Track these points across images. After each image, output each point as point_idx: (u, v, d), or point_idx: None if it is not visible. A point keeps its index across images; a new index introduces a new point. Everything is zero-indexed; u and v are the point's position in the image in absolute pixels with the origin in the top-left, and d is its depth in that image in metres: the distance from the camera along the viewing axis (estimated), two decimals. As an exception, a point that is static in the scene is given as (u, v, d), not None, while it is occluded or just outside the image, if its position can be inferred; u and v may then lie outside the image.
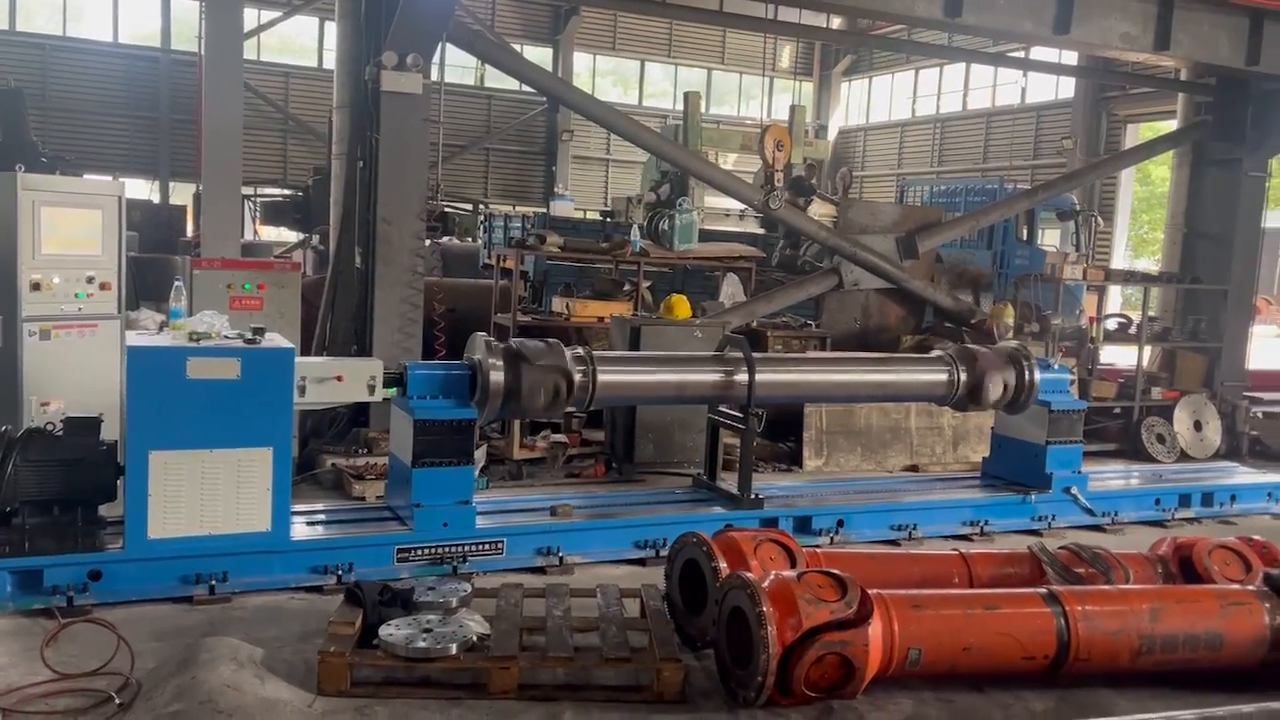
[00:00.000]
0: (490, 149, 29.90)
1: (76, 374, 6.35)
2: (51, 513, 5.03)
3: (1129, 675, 4.63)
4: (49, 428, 5.13)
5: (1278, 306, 34.61)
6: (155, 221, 20.88)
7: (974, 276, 11.69)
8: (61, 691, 4.04)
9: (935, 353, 7.42)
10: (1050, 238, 18.91)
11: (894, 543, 6.78)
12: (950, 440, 9.39)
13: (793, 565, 4.82)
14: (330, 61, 27.99)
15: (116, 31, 26.34)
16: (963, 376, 7.04)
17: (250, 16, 25.07)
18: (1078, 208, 17.26)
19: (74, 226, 6.41)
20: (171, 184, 26.48)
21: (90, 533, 5.06)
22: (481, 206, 24.01)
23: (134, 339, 5.25)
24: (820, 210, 17.84)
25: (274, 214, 20.86)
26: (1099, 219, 18.58)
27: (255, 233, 22.42)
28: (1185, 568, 5.22)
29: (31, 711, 3.87)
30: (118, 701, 3.93)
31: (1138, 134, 23.43)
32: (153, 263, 11.63)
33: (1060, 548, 5.35)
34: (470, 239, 20.30)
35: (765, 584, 4.29)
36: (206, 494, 5.08)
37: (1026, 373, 7.07)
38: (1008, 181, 19.85)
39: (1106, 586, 4.89)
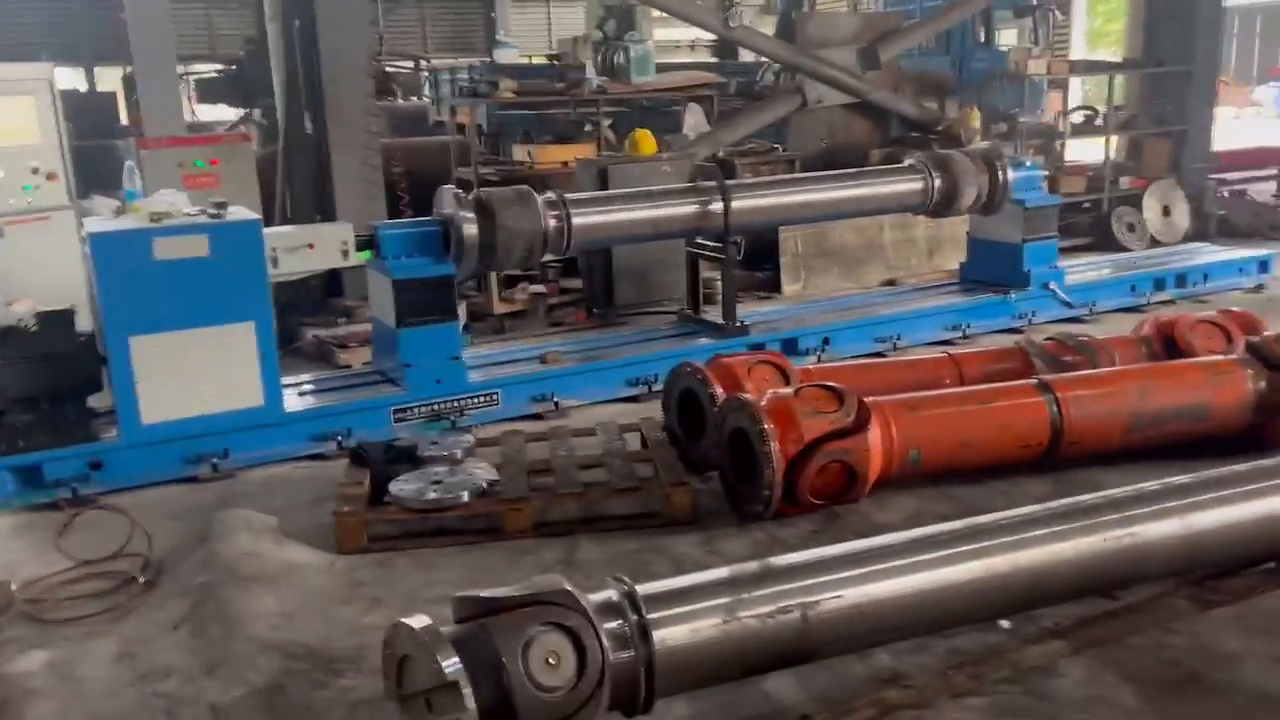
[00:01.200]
0: (425, 1, 28.58)
1: (37, 268, 6.17)
2: (40, 409, 4.97)
3: (1121, 453, 4.78)
4: (21, 325, 5.01)
5: (1235, 85, 34.50)
6: (87, 109, 19.93)
7: (937, 83, 11.47)
8: (83, 577, 4.09)
9: (908, 162, 7.33)
10: (1008, 38, 18.53)
11: (880, 355, 6.86)
12: (925, 251, 9.40)
13: (787, 384, 4.87)
14: (245, -78, 26.36)
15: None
16: (937, 182, 6.99)
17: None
18: (1034, 2, 16.81)
19: (6, 116, 6.12)
20: (97, 69, 25.26)
21: (84, 424, 5.03)
22: (423, 62, 23.11)
23: (93, 225, 5.07)
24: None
25: (210, 91, 19.96)
26: (1056, 12, 18.14)
27: (193, 113, 21.57)
28: (1168, 345, 5.33)
29: (58, 600, 3.91)
30: (142, 580, 3.99)
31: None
32: (95, 150, 11.16)
33: (1046, 339, 5.44)
34: (416, 97, 19.62)
35: (764, 402, 4.34)
36: (194, 374, 5.03)
37: (1000, 173, 7.03)
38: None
39: (1094, 370, 4.99)
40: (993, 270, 7.68)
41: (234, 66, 19.88)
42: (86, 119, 19.06)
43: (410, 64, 22.48)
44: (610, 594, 2.90)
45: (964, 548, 3.26)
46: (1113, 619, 3.50)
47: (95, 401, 5.19)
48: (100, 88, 23.83)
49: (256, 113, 17.89)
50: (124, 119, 18.82)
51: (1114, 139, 11.24)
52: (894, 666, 3.28)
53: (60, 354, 4.96)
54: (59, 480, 4.83)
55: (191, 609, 3.67)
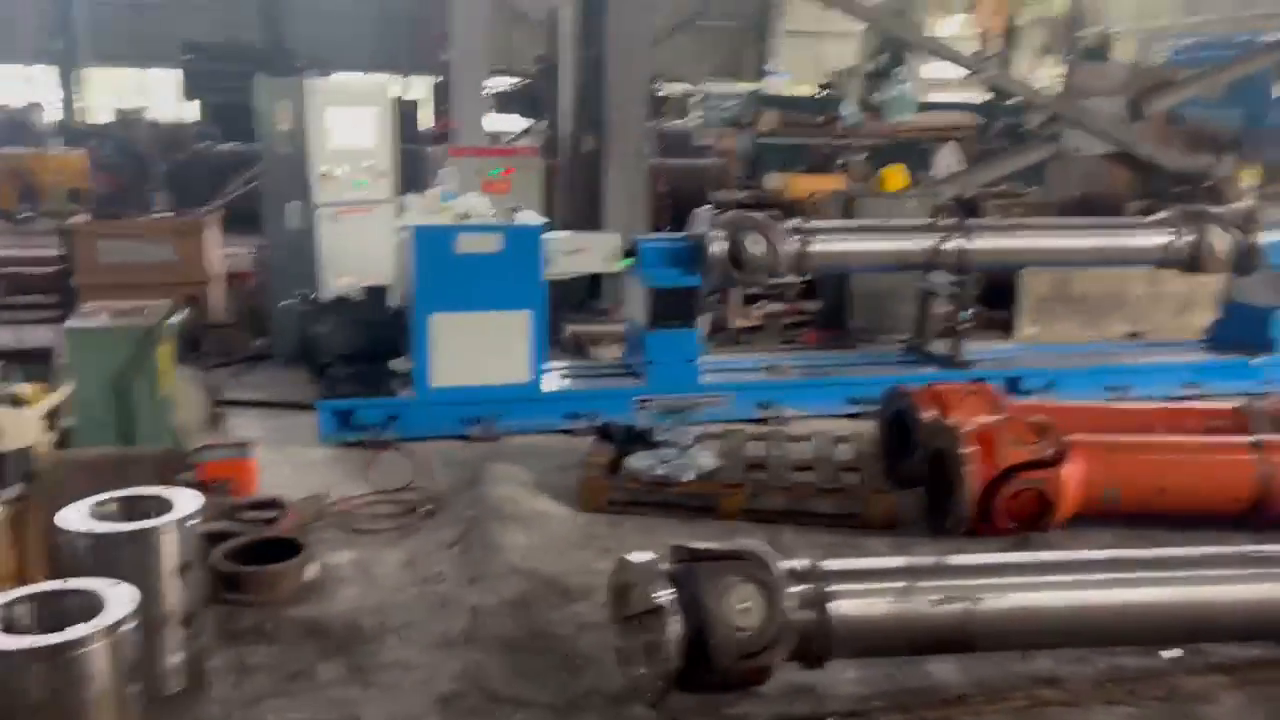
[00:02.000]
0: (703, 27, 29.83)
1: (360, 250, 7.40)
2: (356, 364, 6.09)
3: (1334, 522, 4.78)
4: (350, 295, 6.14)
5: None
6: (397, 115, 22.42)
7: (1214, 137, 11.08)
8: (381, 502, 5.06)
9: (1158, 215, 7.35)
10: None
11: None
12: (1175, 308, 9.18)
13: (995, 414, 5.20)
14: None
15: (351, -65, 27.89)
16: (1186, 238, 6.99)
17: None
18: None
19: (353, 123, 7.39)
20: (413, 77, 28.19)
21: (388, 381, 6.10)
22: (694, 86, 24.25)
23: (415, 219, 6.14)
24: (1055, 73, 17.04)
25: (504, 103, 21.94)
26: (1374, 67, 16.74)
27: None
28: None
29: (361, 515, 4.90)
30: (426, 509, 4.91)
31: None
32: (405, 153, 12.77)
33: (1270, 402, 5.45)
34: (683, 119, 20.70)
35: (968, 427, 4.73)
36: (477, 350, 5.99)
37: (1252, 234, 6.93)
38: (1269, 31, 18.11)
39: (1314, 438, 5.00)
40: (1241, 333, 7.52)
41: (526, 81, 21.81)
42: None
43: (683, 87, 23.68)
44: (800, 563, 3.46)
45: (1130, 574, 3.58)
46: (1281, 666, 3.68)
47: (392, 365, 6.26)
48: (409, 95, 26.63)
49: (543, 124, 19.56)
50: (423, 124, 21.03)
51: None
52: (1054, 670, 3.62)
53: (377, 321, 6.05)
54: (365, 425, 5.91)
55: (462, 534, 4.54)
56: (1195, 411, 5.62)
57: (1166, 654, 3.70)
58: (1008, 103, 17.14)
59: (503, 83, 23.56)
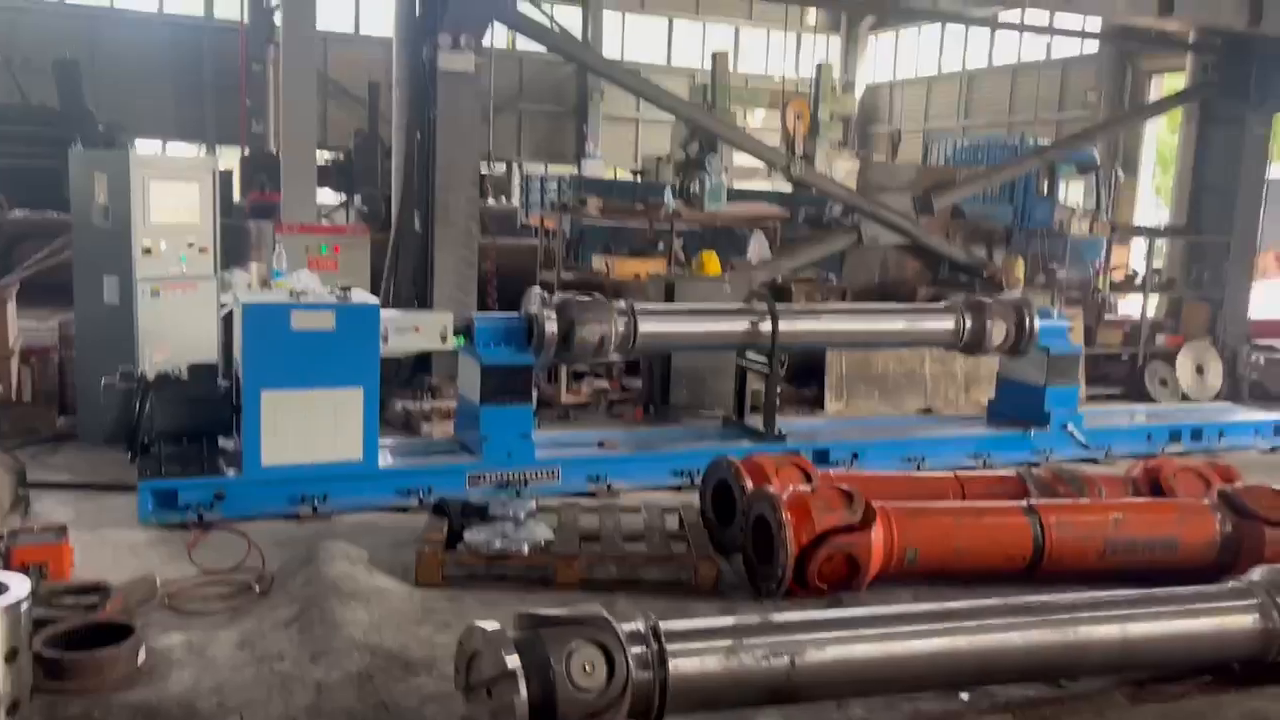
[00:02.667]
0: (523, 110, 30.55)
1: (181, 326, 7.27)
2: (180, 443, 5.95)
3: (1097, 575, 5.42)
4: (174, 372, 6.03)
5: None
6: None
7: (989, 231, 12.33)
8: (210, 583, 4.96)
9: (944, 302, 8.17)
10: (1075, 191, 19.41)
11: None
12: (962, 384, 10.14)
13: (809, 484, 5.64)
14: (366, 27, 28.67)
15: (161, 2, 27.16)
16: (968, 323, 7.79)
17: (289, -16, 25.91)
18: (1097, 162, 17.74)
19: (177, 197, 7.28)
20: (218, 148, 27.43)
21: (214, 460, 5.98)
22: (516, 167, 24.78)
23: (246, 296, 6.11)
24: (848, 166, 18.46)
25: (319, 177, 21.70)
26: (1120, 172, 19.05)
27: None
28: (1154, 487, 6.00)
29: (190, 596, 4.79)
30: (258, 589, 4.85)
31: (1163, 84, 23.69)
32: (229, 229, 12.50)
33: (1045, 470, 6.15)
34: (505, 198, 21.12)
35: (785, 496, 5.13)
36: (309, 427, 5.97)
37: (1027, 320, 7.80)
38: (1032, 136, 20.30)
39: (1079, 499, 5.68)
40: (1018, 408, 8.38)
41: (341, 156, 21.69)
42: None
43: (503, 167, 24.15)
44: (639, 625, 3.68)
45: (930, 625, 3.99)
46: (1057, 703, 4.17)
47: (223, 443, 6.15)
48: (221, 166, 25.90)
49: (358, 199, 19.49)
50: (236, 197, 20.54)
51: (1154, 298, 11.94)
52: (866, 717, 3.97)
53: (204, 399, 5.95)
54: (189, 504, 5.76)
55: (300, 612, 4.51)
56: (981, 479, 6.25)
57: (964, 695, 4.12)
58: (809, 194, 18.45)
59: (319, 157, 23.38)
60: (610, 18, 31.29)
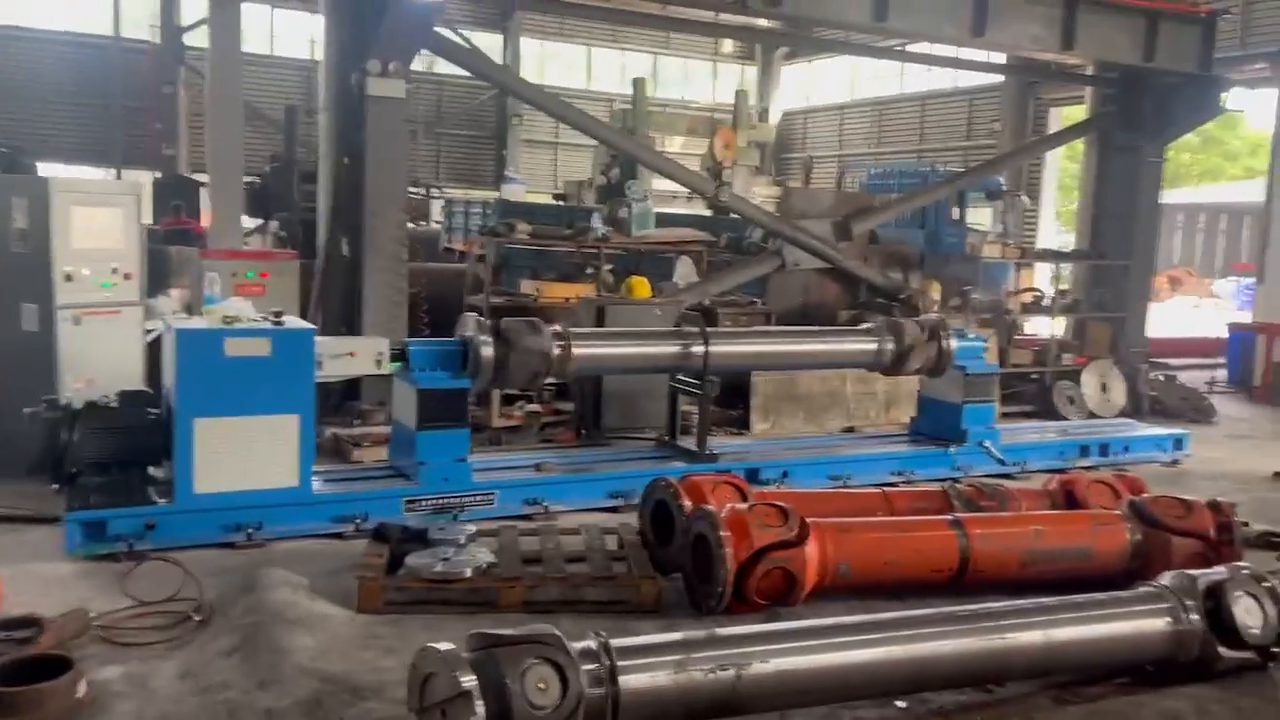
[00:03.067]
0: (441, 134, 30.49)
1: (103, 354, 7.12)
2: (109, 473, 5.83)
3: (1019, 584, 5.67)
4: (104, 400, 5.92)
5: (1198, 278, 36.64)
6: (116, 209, 21.21)
7: (903, 256, 12.74)
8: (145, 614, 4.88)
9: (865, 325, 8.44)
10: (982, 217, 20.16)
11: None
12: (883, 404, 10.44)
13: (744, 501, 5.79)
14: (280, 48, 28.29)
15: (65, 19, 26.42)
16: (889, 346, 8.07)
17: (200, 4, 25.46)
18: (1004, 188, 18.47)
19: (100, 222, 7.15)
20: (124, 171, 26.74)
21: (145, 489, 5.88)
22: (435, 190, 24.66)
23: (178, 322, 6.04)
24: (766, 192, 18.87)
25: (234, 201, 21.31)
26: (1025, 198, 19.85)
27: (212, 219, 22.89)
28: (1069, 499, 6.30)
29: (126, 628, 4.71)
30: (197, 619, 4.79)
31: (1062, 116, 24.77)
32: (152, 254, 12.23)
33: (967, 484, 6.41)
34: (424, 223, 20.99)
35: (723, 514, 5.26)
36: (243, 455, 5.92)
37: (944, 341, 8.11)
38: (941, 163, 21.05)
39: (1000, 512, 5.95)
40: (937, 426, 8.69)
41: (257, 180, 21.35)
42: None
43: (421, 191, 24.01)
44: (590, 643, 3.77)
45: (867, 636, 4.16)
46: (987, 707, 4.36)
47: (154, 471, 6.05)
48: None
49: (275, 224, 19.21)
50: (150, 220, 20.03)
51: (1060, 319, 12.49)
52: (808, 727, 4.11)
53: (133, 427, 5.85)
54: (119, 535, 5.65)
55: (243, 641, 4.48)
56: (907, 494, 6.49)
57: (900, 703, 4.28)
58: (728, 218, 18.80)
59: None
60: (529, 44, 31.48)
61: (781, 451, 8.21)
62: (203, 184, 21.97)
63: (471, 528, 5.82)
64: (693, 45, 32.63)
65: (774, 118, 33.27)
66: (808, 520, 5.31)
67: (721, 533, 5.11)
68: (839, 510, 5.97)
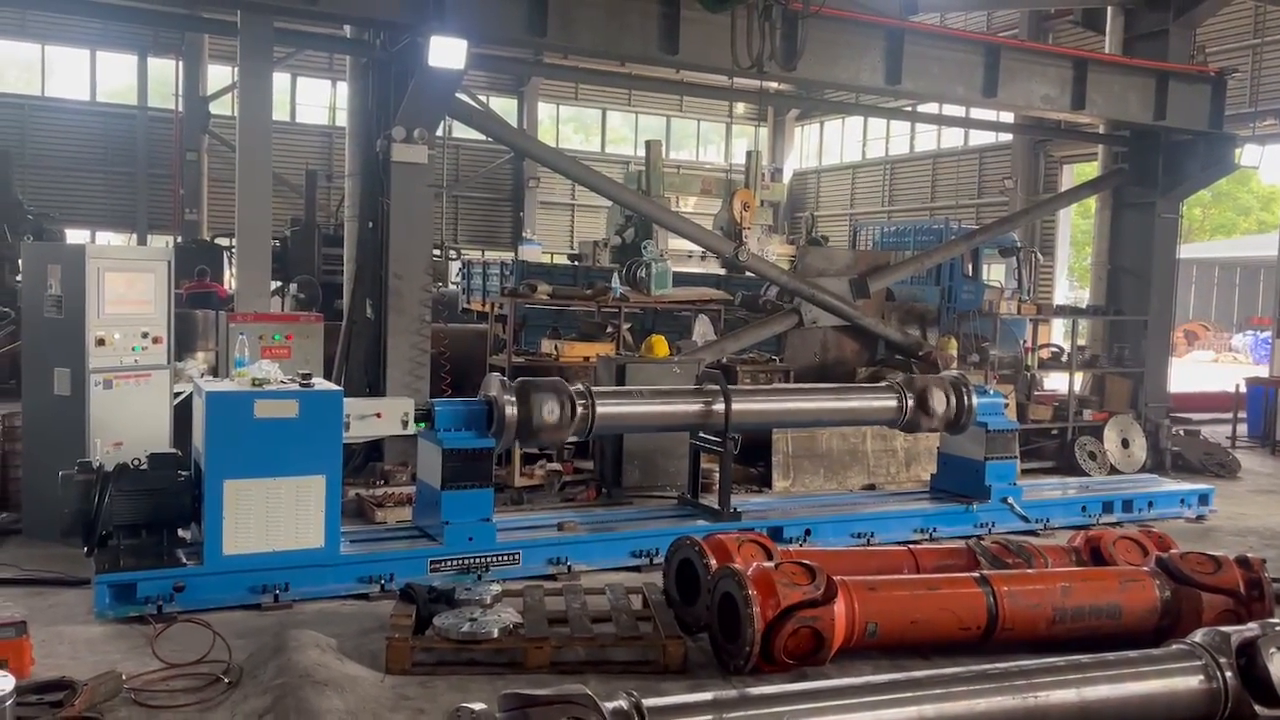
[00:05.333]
0: (459, 196, 30.93)
1: (133, 417, 7.22)
2: (140, 535, 5.89)
3: (1047, 643, 5.63)
4: (134, 463, 5.99)
5: (1215, 332, 36.55)
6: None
7: (920, 312, 12.82)
8: (176, 676, 4.90)
9: (885, 382, 8.48)
10: (997, 273, 20.25)
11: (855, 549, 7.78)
12: (903, 461, 10.44)
13: (769, 560, 5.79)
14: (303, 116, 28.88)
15: (94, 90, 27.09)
16: (910, 402, 8.10)
17: (223, 74, 26.09)
18: (1018, 245, 18.58)
19: (132, 288, 7.29)
20: (149, 237, 27.20)
21: (174, 551, 5.92)
22: (452, 252, 24.97)
23: (208, 385, 6.12)
24: (779, 250, 19.03)
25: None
26: (1039, 254, 19.94)
27: (232, 283, 23.21)
28: (1095, 555, 6.27)
29: (157, 691, 4.72)
30: (227, 681, 4.80)
31: (1074, 172, 24.98)
32: (179, 317, 12.42)
33: (991, 541, 6.39)
34: (441, 284, 21.24)
35: (750, 572, 5.26)
36: (271, 516, 5.96)
37: (965, 398, 8.13)
38: (953, 220, 21.20)
39: (1028, 570, 5.92)
40: (959, 483, 8.67)
41: (277, 243, 21.66)
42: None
43: (438, 252, 24.32)
44: (622, 703, 3.77)
45: (899, 695, 4.14)
46: (1021, 767, 4.31)
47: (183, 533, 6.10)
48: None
49: (294, 287, 19.46)
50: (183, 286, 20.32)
51: (1079, 374, 12.48)
52: (841, 788, 4.06)
53: (163, 490, 5.92)
54: (148, 597, 5.68)
55: (274, 703, 4.48)
56: (933, 551, 6.47)
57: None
58: (743, 276, 18.94)
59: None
60: (544, 108, 32.05)
61: (804, 509, 8.20)
62: (226, 248, 22.49)
63: (497, 588, 5.83)
64: (706, 107, 33.13)
65: (786, 177, 33.63)
66: (835, 578, 5.31)
67: (748, 591, 5.11)
68: (865, 568, 5.97)
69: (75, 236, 23.55)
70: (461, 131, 30.55)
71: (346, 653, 5.21)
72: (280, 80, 28.73)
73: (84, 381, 7.04)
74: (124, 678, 4.72)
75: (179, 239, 24.14)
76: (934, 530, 8.19)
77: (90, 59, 26.85)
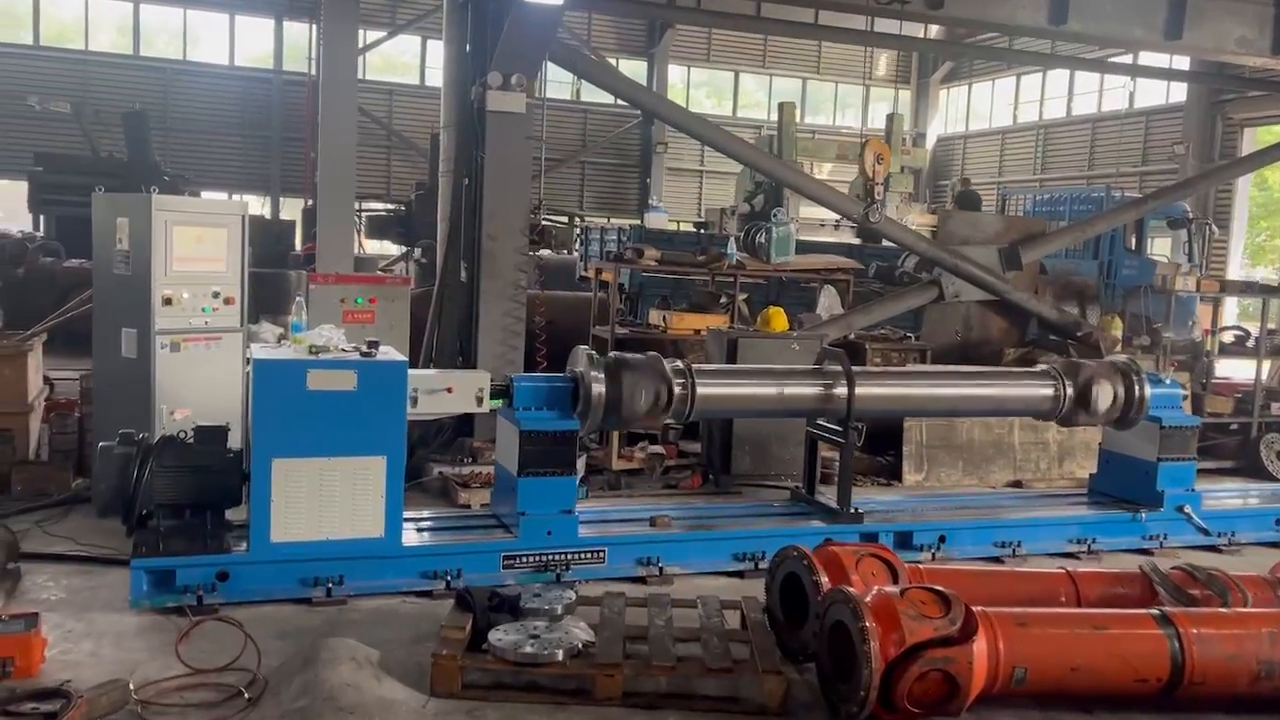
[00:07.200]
0: (586, 162, 30.33)
1: (203, 384, 6.71)
2: (183, 516, 5.32)
3: (1249, 702, 4.49)
4: (180, 436, 5.43)
5: None
6: (267, 236, 21.78)
7: (1079, 288, 11.40)
8: (194, 685, 4.28)
9: (1041, 366, 7.30)
10: (1161, 247, 18.29)
11: (997, 560, 6.69)
12: (1055, 455, 9.19)
13: (895, 581, 4.81)
14: (432, 79, 28.79)
15: (233, 55, 27.53)
16: (1069, 391, 6.92)
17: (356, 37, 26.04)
18: (1190, 216, 16.68)
19: (202, 244, 6.77)
20: (282, 199, 27.57)
21: (218, 535, 5.34)
22: (578, 219, 24.39)
23: (258, 352, 5.50)
24: (920, 220, 17.65)
25: (378, 228, 21.56)
26: (1214, 227, 17.94)
27: (360, 247, 23.20)
28: (1308, 591, 5.04)
29: (167, 704, 4.11)
30: (247, 696, 4.15)
31: (1255, 138, 22.53)
32: (268, 277, 12.10)
33: (1173, 568, 5.22)
34: (566, 251, 20.65)
35: (868, 599, 4.31)
36: (324, 500, 5.30)
37: (1136, 387, 6.90)
38: (1114, 189, 19.32)
39: (1222, 609, 4.76)
40: (1124, 486, 7.42)
41: (403, 208, 21.49)
42: (266, 243, 20.78)
43: (565, 219, 23.75)
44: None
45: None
46: None
47: (230, 514, 5.52)
48: (284, 215, 25.97)
49: (417, 252, 19.18)
50: (298, 247, 20.43)
51: (1267, 362, 10.86)
52: None
53: (209, 467, 5.33)
54: (188, 586, 5.11)
55: (287, 732, 3.81)
56: (1098, 577, 5.33)
57: None
58: (878, 246, 17.63)
59: (380, 208, 23.26)
60: (675, 71, 31.03)
61: (937, 511, 7.11)
62: (355, 211, 22.47)
63: (571, 595, 5.04)
64: (844, 67, 31.51)
65: (929, 143, 31.75)
66: (974, 609, 4.30)
67: (866, 623, 4.16)
68: (1012, 595, 4.92)
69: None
70: (589, 95, 29.92)
71: (393, 665, 4.51)
72: (410, 43, 28.69)
73: (150, 343, 6.57)
74: (131, 687, 4.11)
75: (310, 202, 24.30)
76: (1092, 541, 7.00)
77: (229, 23, 27.26)
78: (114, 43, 26.95)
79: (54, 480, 7.09)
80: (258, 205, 27.86)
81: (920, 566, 5.14)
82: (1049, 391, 6.94)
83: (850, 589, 4.44)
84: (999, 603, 4.63)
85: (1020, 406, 7.19)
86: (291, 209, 26.19)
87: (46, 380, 8.82)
